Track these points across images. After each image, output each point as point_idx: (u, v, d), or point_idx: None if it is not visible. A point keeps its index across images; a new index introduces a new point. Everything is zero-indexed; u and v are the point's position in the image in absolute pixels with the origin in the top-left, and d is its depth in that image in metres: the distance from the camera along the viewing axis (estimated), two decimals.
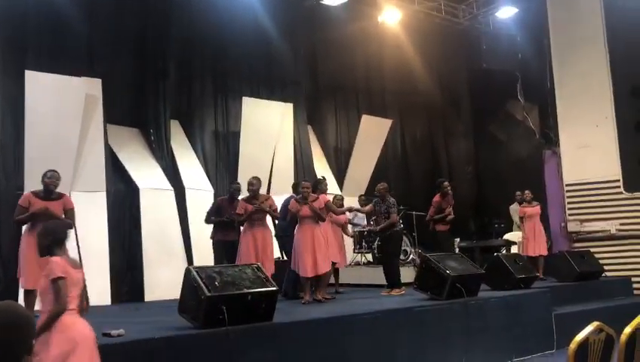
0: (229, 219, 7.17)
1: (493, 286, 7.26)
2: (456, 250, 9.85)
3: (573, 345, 2.60)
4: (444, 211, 8.46)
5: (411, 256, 9.65)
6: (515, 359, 6.36)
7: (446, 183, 8.69)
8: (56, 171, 5.60)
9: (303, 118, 11.48)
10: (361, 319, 5.38)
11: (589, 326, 2.69)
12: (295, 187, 8.19)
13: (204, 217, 7.63)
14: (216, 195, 9.43)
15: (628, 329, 2.85)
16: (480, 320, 6.17)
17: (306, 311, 5.89)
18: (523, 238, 9.27)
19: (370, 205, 7.97)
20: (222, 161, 10.20)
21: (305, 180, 7.40)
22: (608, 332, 2.72)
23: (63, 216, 5.50)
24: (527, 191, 9.36)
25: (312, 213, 6.72)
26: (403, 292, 7.43)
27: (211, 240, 7.50)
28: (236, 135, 10.21)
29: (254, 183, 7.04)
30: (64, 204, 5.53)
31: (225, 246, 7.27)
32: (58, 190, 5.70)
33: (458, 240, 10.93)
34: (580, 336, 2.64)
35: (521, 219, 9.30)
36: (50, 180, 5.49)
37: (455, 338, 5.90)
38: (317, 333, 5.00)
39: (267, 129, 10.29)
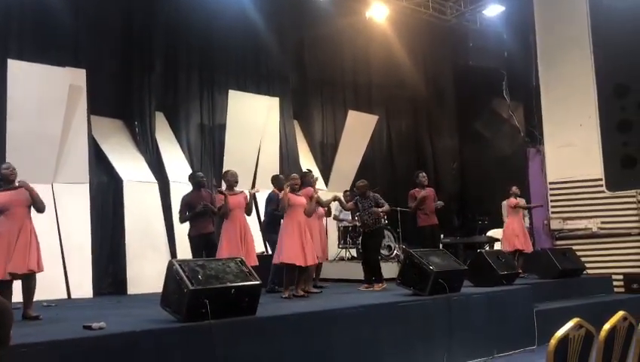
0: (204, 208, 7.03)
1: (476, 282, 7.30)
2: (440, 246, 9.89)
3: (553, 341, 2.61)
4: (425, 204, 8.41)
5: (395, 251, 9.67)
6: (497, 354, 6.40)
7: (422, 174, 8.64)
8: (10, 163, 5.48)
9: (289, 112, 11.47)
10: (344, 314, 5.36)
11: (570, 322, 2.71)
12: (274, 180, 8.15)
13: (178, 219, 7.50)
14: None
15: (607, 326, 2.88)
16: (462, 316, 6.19)
17: (289, 306, 5.88)
18: (510, 233, 9.34)
19: (352, 203, 7.95)
20: (207, 154, 10.16)
21: (294, 174, 7.40)
22: (588, 328, 2.74)
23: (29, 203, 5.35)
24: (514, 187, 9.48)
25: (304, 204, 6.73)
26: (384, 286, 7.44)
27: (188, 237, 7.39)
28: (222, 128, 10.16)
29: (235, 176, 6.95)
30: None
31: (201, 241, 7.15)
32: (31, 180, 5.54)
33: (442, 236, 11.00)
34: (560, 332, 2.66)
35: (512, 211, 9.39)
36: (8, 170, 5.37)
37: (438, 334, 5.92)
38: (300, 328, 4.98)
39: (253, 123, 10.26)
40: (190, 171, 9.52)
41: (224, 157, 9.95)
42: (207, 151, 10.17)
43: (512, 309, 6.83)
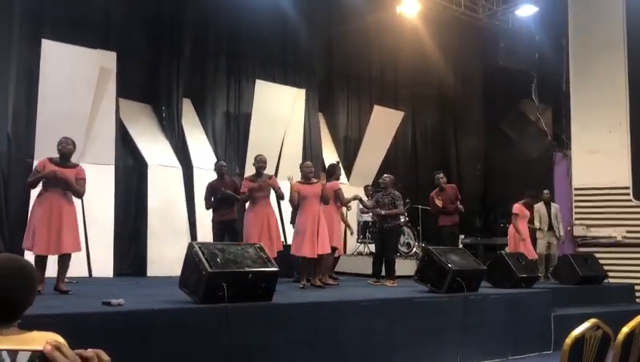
0: (223, 195, 7.19)
1: (495, 283, 7.27)
2: (460, 246, 9.84)
3: (568, 340, 2.60)
4: (443, 205, 8.36)
5: (414, 249, 9.65)
6: (511, 357, 6.36)
7: (439, 176, 8.57)
8: (69, 138, 5.63)
9: (315, 104, 11.48)
10: (358, 306, 5.39)
11: (587, 322, 2.69)
12: (332, 169, 7.99)
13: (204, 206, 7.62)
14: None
15: (625, 329, 2.85)
16: (478, 316, 6.17)
17: (305, 295, 5.92)
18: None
19: (372, 200, 7.92)
20: (231, 143, 10.24)
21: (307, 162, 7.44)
22: (605, 330, 2.72)
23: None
24: (546, 191, 9.48)
25: (317, 193, 6.77)
26: (395, 284, 7.46)
27: (212, 222, 7.52)
28: (247, 117, 10.22)
29: (264, 160, 7.01)
30: (77, 173, 5.57)
31: (223, 227, 7.28)
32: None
33: (462, 236, 10.95)
34: (577, 332, 2.64)
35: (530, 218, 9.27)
36: (63, 146, 5.53)
37: (452, 332, 5.91)
38: (314, 316, 5.02)
39: (278, 113, 10.30)
40: (214, 158, 9.65)
41: (248, 146, 10.00)
42: (232, 140, 10.23)
43: (530, 312, 6.78)
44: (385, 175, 7.90)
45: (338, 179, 7.68)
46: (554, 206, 9.55)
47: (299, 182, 6.87)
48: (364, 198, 8.44)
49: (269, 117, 10.13)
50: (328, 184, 7.14)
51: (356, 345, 5.18)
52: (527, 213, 9.11)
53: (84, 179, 5.61)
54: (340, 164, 7.94)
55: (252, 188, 6.83)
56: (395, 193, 7.64)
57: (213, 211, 7.40)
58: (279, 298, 5.07)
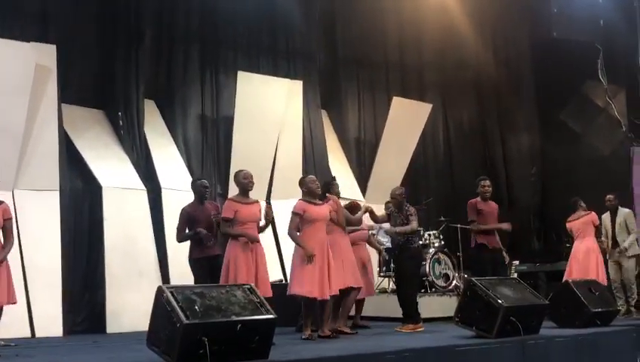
0: (198, 234, 7.20)
1: (561, 321, 7.24)
2: (514, 276, 9.79)
3: None
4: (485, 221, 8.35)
5: (454, 281, 9.61)
6: None
7: (483, 183, 8.58)
8: None
9: (316, 100, 11.51)
10: (384, 359, 5.36)
11: None
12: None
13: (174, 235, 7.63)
14: None
15: None
16: None
17: (312, 348, 5.89)
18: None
19: (385, 214, 8.07)
20: (210, 154, 10.27)
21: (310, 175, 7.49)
22: None
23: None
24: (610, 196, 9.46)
25: (325, 217, 6.83)
26: (421, 328, 7.49)
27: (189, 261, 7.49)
28: (228, 121, 10.27)
29: (249, 176, 6.94)
30: (2, 213, 5.58)
31: (208, 264, 7.24)
32: None
33: (517, 262, 10.87)
34: None
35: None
36: None
37: None
38: None
39: (268, 113, 10.34)
40: (188, 176, 9.67)
41: (231, 158, 10.04)
42: (210, 149, 10.26)
43: (609, 358, 6.72)
44: (394, 189, 8.04)
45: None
46: (622, 212, 9.48)
47: (302, 200, 6.92)
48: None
49: (257, 118, 10.18)
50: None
51: None
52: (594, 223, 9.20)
53: (10, 220, 5.60)
54: (336, 180, 7.98)
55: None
56: (410, 208, 7.83)
57: (192, 245, 7.37)
58: (278, 354, 5.05)
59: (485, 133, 13.85)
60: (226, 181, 9.90)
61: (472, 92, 13.71)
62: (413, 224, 7.69)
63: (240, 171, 7.03)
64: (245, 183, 6.88)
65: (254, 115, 10.16)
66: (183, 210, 7.47)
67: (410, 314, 7.64)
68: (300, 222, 6.82)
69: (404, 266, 7.78)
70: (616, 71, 12.07)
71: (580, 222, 9.24)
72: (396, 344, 6.11)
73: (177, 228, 7.47)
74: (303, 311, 6.87)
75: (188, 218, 7.36)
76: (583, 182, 11.94)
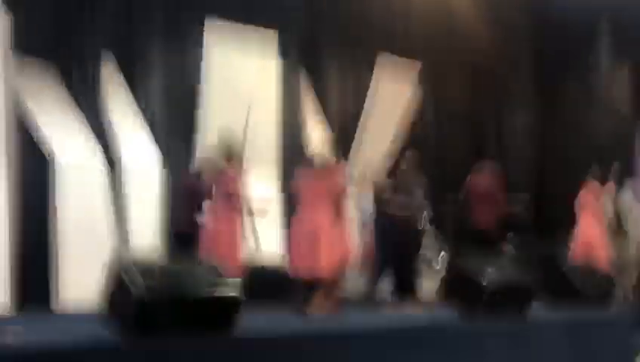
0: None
1: (552, 303, 7.38)
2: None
3: None
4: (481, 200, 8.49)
5: (440, 260, 9.80)
6: None
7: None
8: None
9: (294, 64, 11.47)
10: (357, 340, 5.42)
11: None
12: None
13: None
14: (168, 173, 9.52)
15: None
16: (529, 351, 6.21)
17: (281, 325, 5.98)
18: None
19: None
20: (176, 122, 10.18)
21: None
22: None
23: None
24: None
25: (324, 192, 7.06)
26: (418, 308, 7.65)
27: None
28: (195, 79, 10.21)
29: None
30: None
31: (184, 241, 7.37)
32: None
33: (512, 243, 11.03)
34: None
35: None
36: None
37: None
38: (294, 355, 5.04)
39: (240, 73, 10.29)
40: (152, 147, 9.67)
41: (200, 129, 10.04)
42: (177, 118, 10.17)
43: (604, 345, 6.84)
44: (409, 151, 8.29)
45: None
46: (628, 190, 9.64)
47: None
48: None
49: (228, 79, 10.17)
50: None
51: None
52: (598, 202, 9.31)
53: None
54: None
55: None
56: (418, 180, 8.13)
57: (171, 219, 7.42)
58: (244, 330, 5.10)
59: (478, 111, 13.93)
60: (194, 155, 9.89)
61: (466, 67, 13.73)
62: (417, 196, 7.92)
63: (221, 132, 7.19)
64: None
65: (224, 79, 10.16)
66: (184, 180, 7.60)
67: (409, 292, 7.86)
68: None
69: (408, 245, 8.04)
70: (623, 42, 12.17)
71: (583, 195, 9.38)
72: (371, 324, 6.26)
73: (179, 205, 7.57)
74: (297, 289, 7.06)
75: (190, 193, 7.53)
76: (583, 165, 12.06)
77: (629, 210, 9.54)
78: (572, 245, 9.27)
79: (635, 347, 6.91)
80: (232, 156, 7.17)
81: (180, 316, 4.69)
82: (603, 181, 9.66)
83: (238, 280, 5.91)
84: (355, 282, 9.36)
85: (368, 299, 8.54)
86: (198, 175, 7.88)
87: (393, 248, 7.98)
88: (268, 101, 10.80)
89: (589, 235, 9.16)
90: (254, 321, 5.50)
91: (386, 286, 8.10)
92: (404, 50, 12.76)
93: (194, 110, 10.22)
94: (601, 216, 9.28)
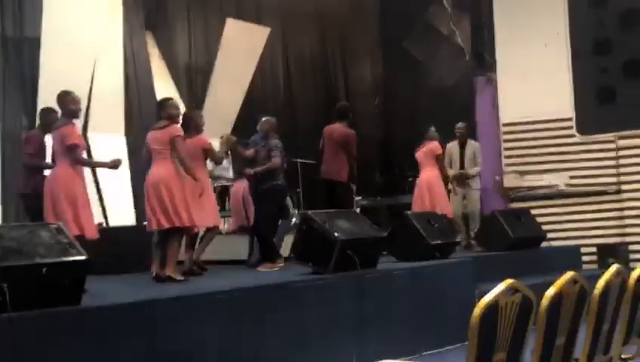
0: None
1: (399, 255, 7.54)
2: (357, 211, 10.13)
3: (478, 310, 2.76)
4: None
5: (294, 218, 9.81)
6: (426, 352, 6.67)
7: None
8: None
9: (139, 19, 11.15)
10: (214, 301, 5.40)
11: (501, 284, 2.87)
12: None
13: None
14: (3, 133, 9.15)
15: (551, 291, 3.08)
16: (379, 301, 6.39)
17: (135, 291, 5.86)
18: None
19: (252, 150, 8.13)
20: (12, 79, 9.70)
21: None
22: (525, 293, 2.91)
23: None
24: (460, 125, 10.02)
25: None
26: (281, 265, 7.66)
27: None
28: (34, 39, 9.68)
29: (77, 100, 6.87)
30: None
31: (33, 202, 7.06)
32: None
33: (359, 198, 11.20)
34: (488, 298, 2.81)
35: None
36: None
37: (344, 326, 6.09)
38: (149, 322, 4.97)
39: (83, 27, 9.88)
40: None
41: (39, 83, 9.54)
42: (13, 75, 9.72)
43: (448, 290, 7.14)
44: (265, 118, 8.21)
45: (200, 132, 7.75)
46: (471, 144, 10.03)
47: None
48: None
49: (69, 34, 9.72)
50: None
51: (210, 354, 5.20)
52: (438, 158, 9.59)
53: None
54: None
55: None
56: (273, 142, 7.99)
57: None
58: (93, 299, 4.99)
59: (327, 63, 14.04)
60: (33, 111, 9.43)
61: (314, 19, 13.80)
62: (276, 160, 7.87)
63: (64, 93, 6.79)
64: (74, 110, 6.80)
65: (66, 32, 9.70)
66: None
67: (270, 253, 7.78)
68: None
69: (268, 206, 7.90)
70: None
71: (422, 151, 9.60)
72: (226, 285, 6.17)
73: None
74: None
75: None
76: (426, 113, 12.39)
77: (471, 162, 9.86)
78: (415, 196, 9.51)
79: (476, 292, 7.23)
80: (73, 110, 6.82)
81: (23, 285, 4.50)
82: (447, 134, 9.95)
83: (85, 241, 5.82)
84: (230, 245, 9.37)
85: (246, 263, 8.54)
86: (39, 130, 7.49)
87: (258, 210, 7.96)
88: (113, 56, 10.46)
89: (425, 188, 9.38)
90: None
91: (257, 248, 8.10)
92: (254, 12, 12.66)
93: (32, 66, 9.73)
94: (442, 168, 9.55)
